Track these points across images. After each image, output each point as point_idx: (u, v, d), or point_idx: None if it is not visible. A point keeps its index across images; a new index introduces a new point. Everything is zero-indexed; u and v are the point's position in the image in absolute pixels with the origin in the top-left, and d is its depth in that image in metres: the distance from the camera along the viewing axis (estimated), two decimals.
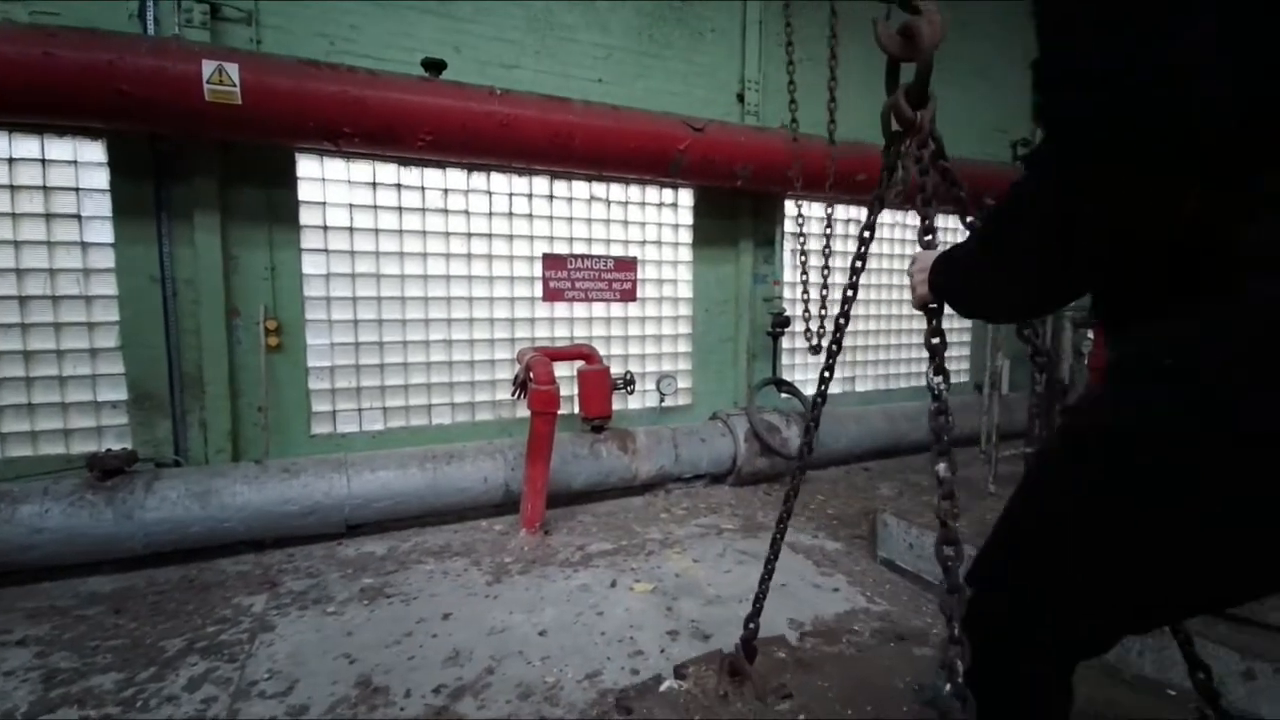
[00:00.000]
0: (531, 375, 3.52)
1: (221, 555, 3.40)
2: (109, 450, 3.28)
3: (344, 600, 2.96)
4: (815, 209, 5.35)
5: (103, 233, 3.51)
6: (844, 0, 3.35)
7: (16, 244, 3.37)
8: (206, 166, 3.58)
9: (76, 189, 3.46)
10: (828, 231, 3.72)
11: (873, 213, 1.82)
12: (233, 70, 3.06)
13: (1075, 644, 1.00)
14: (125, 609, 2.87)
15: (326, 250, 4.02)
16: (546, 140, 3.86)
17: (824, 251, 3.59)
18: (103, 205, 3.51)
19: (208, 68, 3.02)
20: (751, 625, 2.13)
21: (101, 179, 3.49)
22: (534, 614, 2.82)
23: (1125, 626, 1.04)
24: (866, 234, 1.82)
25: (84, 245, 3.49)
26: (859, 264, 1.85)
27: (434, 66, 3.75)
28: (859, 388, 6.06)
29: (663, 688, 2.22)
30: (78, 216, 3.47)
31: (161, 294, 3.62)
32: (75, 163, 3.45)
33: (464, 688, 2.29)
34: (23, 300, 3.39)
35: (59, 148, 3.41)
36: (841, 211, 5.67)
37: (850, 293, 1.86)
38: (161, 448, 3.63)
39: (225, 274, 3.70)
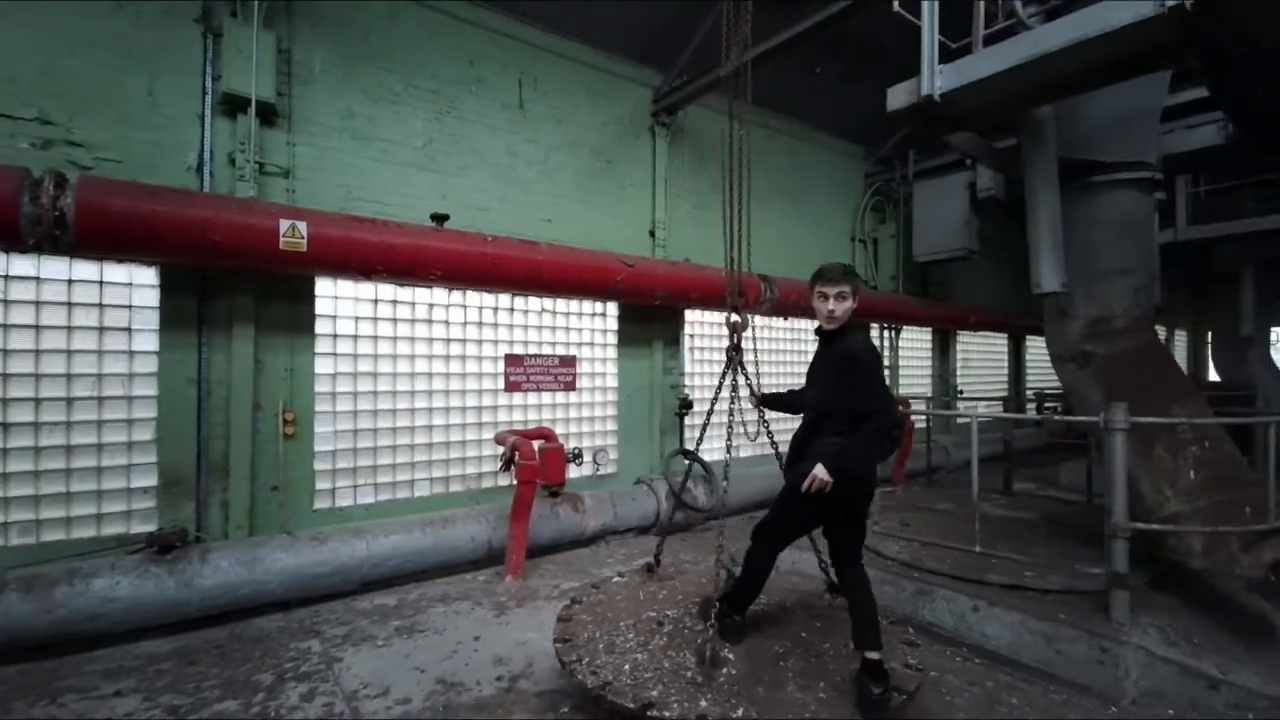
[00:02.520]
0: (518, 453, 4.62)
1: (255, 615, 4.01)
2: (162, 529, 3.84)
3: (387, 636, 3.78)
4: (707, 315, 7.07)
5: (149, 342, 4.16)
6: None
7: (69, 353, 3.93)
8: (246, 288, 4.39)
9: (129, 306, 4.11)
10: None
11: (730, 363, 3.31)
12: (302, 226, 4.03)
13: (773, 541, 2.63)
14: (196, 661, 3.47)
15: (335, 354, 4.88)
16: (522, 273, 5.13)
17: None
18: (151, 320, 4.17)
19: (284, 225, 3.97)
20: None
21: (152, 298, 4.18)
22: (542, 630, 3.83)
23: (790, 535, 2.73)
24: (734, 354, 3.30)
25: (131, 354, 4.11)
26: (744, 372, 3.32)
27: (440, 219, 4.93)
28: (742, 454, 7.69)
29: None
30: (128, 329, 4.10)
31: (196, 393, 4.29)
32: (130, 284, 4.12)
33: (517, 675, 3.30)
34: (69, 401, 3.92)
35: (116, 272, 4.08)
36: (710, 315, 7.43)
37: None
38: (184, 527, 4.17)
39: (254, 375, 4.44)
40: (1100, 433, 3.34)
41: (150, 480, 4.14)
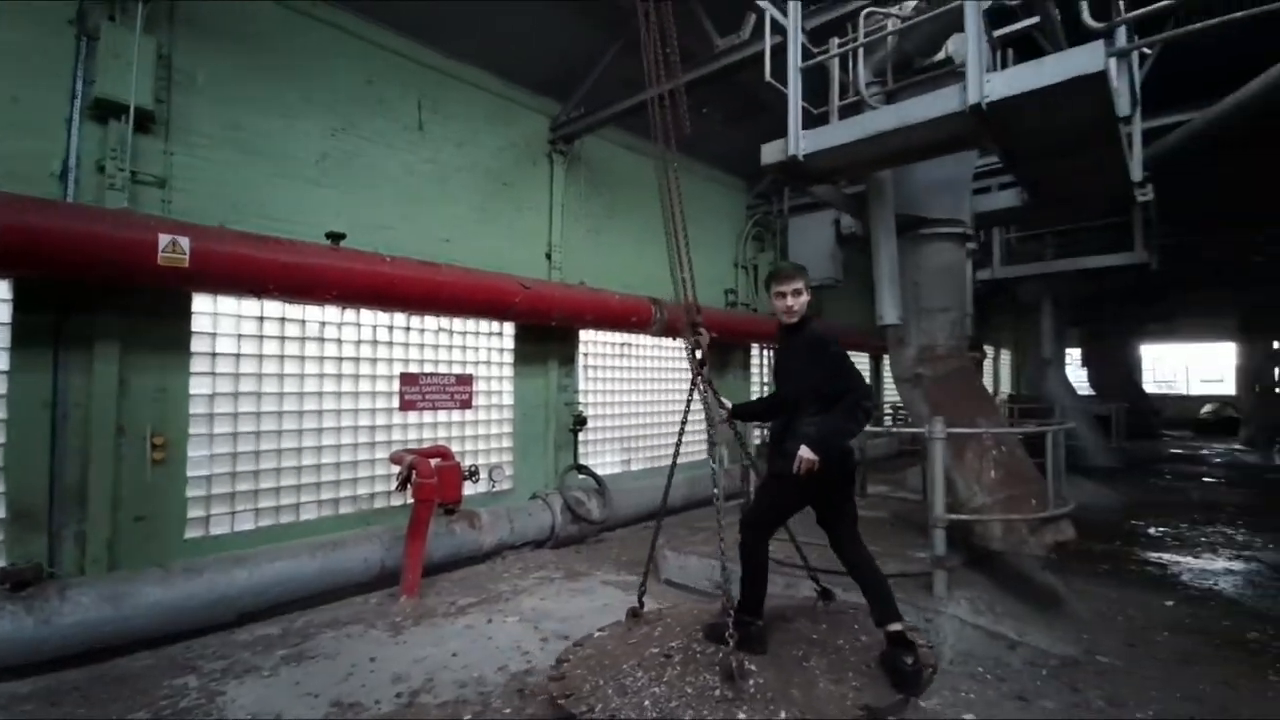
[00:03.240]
0: (417, 471, 4.66)
1: (119, 655, 3.73)
2: (14, 564, 3.50)
3: (273, 666, 3.68)
4: (601, 335, 7.41)
5: None
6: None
7: None
8: (112, 303, 4.11)
9: None
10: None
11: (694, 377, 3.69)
12: (184, 241, 3.88)
13: (765, 529, 2.90)
14: (60, 702, 3.22)
15: (214, 373, 4.65)
16: (422, 294, 5.19)
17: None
18: (2, 338, 3.80)
19: (163, 239, 3.80)
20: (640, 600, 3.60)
21: (4, 313, 3.81)
22: (440, 646, 3.93)
23: (778, 522, 3.02)
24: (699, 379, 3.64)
25: None
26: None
27: (336, 237, 4.87)
28: (633, 468, 8.08)
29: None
30: None
31: (51, 417, 3.94)
32: None
33: (416, 690, 3.38)
34: None
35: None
36: (620, 337, 7.83)
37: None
38: (39, 562, 3.81)
39: (119, 397, 4.15)
40: (925, 441, 4.05)
41: None
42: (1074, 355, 19.45)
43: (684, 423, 3.50)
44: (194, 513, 4.53)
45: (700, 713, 2.43)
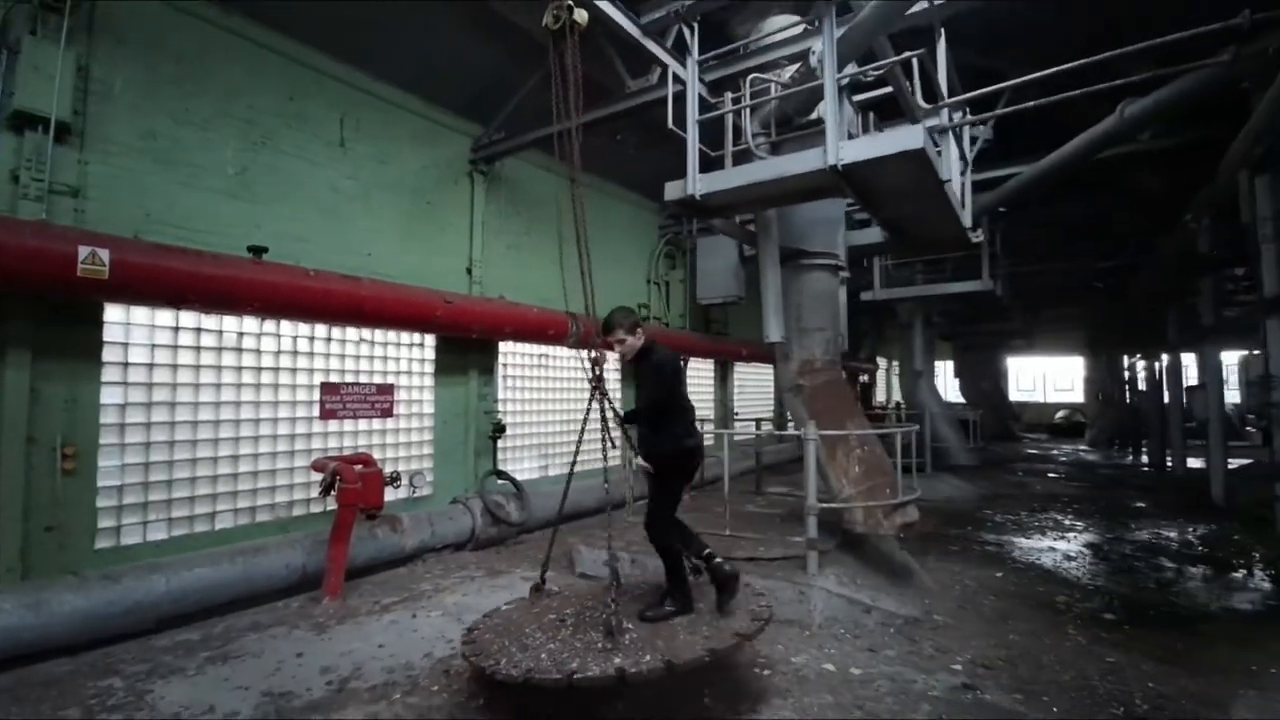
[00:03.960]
0: (341, 477, 4.86)
1: (38, 661, 3.72)
2: None
3: (198, 666, 3.81)
4: (520, 347, 7.78)
5: None
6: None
7: None
8: (23, 311, 4.09)
9: None
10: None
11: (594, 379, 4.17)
12: (104, 254, 3.95)
13: (659, 523, 3.43)
14: None
15: (125, 383, 4.65)
16: (344, 307, 5.39)
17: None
18: None
19: (83, 251, 3.87)
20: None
21: None
22: (367, 641, 4.18)
23: (666, 516, 3.56)
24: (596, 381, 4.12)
25: None
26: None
27: (258, 250, 5.00)
28: (550, 473, 8.46)
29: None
30: None
31: None
32: None
33: (346, 678, 3.65)
34: None
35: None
36: (538, 349, 8.22)
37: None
38: None
39: (29, 406, 4.12)
40: (803, 442, 4.76)
41: None
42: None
43: (583, 430, 3.90)
44: (104, 523, 4.51)
45: (585, 661, 2.99)
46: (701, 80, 5.79)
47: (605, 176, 9.65)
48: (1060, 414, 24.31)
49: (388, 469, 6.09)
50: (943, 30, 4.55)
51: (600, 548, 5.57)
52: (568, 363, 8.89)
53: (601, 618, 3.34)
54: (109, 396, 4.57)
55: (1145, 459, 14.78)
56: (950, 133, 4.56)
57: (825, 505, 4.74)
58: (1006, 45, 7.32)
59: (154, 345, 4.81)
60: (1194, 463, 12.05)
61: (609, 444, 3.77)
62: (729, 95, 5.31)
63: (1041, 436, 22.24)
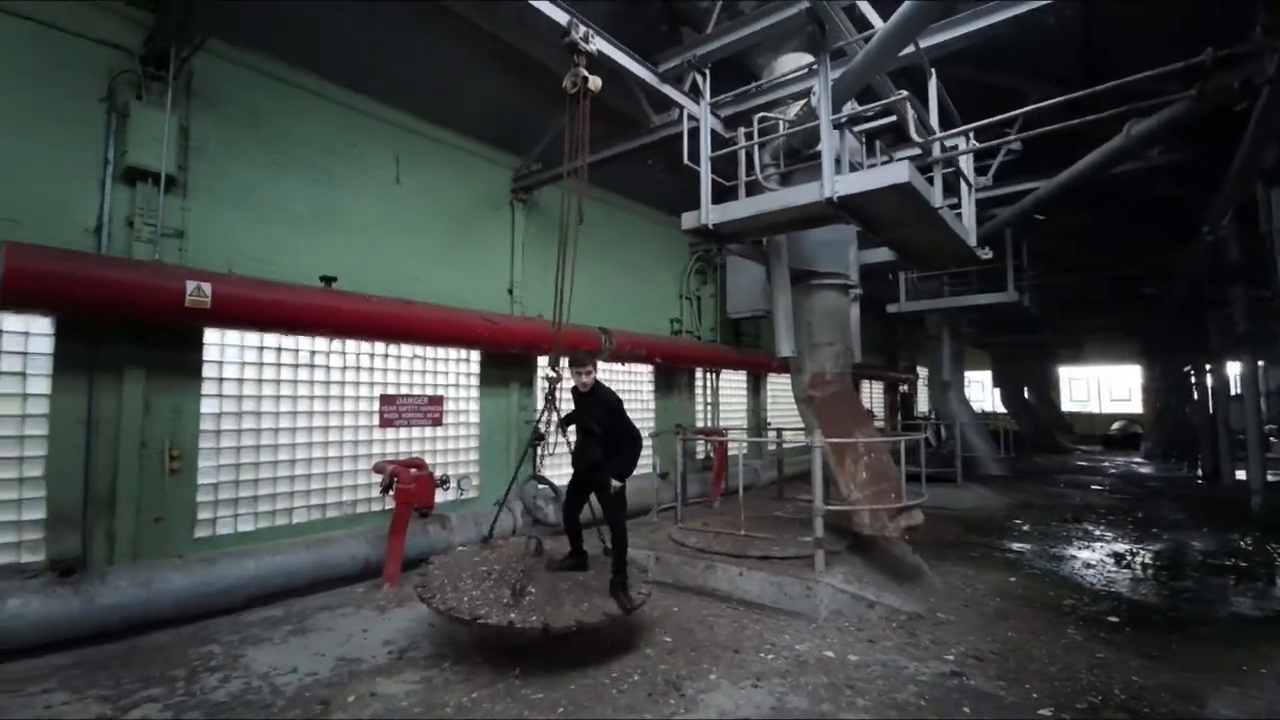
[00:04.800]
0: (398, 478, 5.52)
1: (146, 633, 4.46)
2: (62, 555, 4.23)
3: (282, 637, 4.48)
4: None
5: (41, 386, 4.52)
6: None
7: None
8: (139, 336, 4.89)
9: (25, 353, 4.47)
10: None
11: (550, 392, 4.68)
12: (207, 287, 4.72)
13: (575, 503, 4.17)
14: (105, 667, 3.95)
15: (220, 395, 5.44)
16: (399, 328, 6.09)
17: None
18: (45, 365, 4.54)
19: (190, 285, 4.64)
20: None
21: (47, 345, 4.56)
22: (421, 621, 4.77)
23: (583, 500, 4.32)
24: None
25: (24, 396, 4.45)
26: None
27: (329, 280, 5.75)
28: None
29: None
30: (23, 374, 4.45)
31: (85, 433, 4.68)
32: (26, 333, 4.49)
33: (405, 648, 4.25)
34: None
35: (13, 322, 4.44)
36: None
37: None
38: (82, 554, 4.52)
39: (143, 416, 4.91)
40: (812, 450, 5.15)
41: (39, 514, 4.45)
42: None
43: (555, 442, 4.86)
44: (202, 515, 5.27)
45: (492, 610, 3.82)
46: (717, 115, 6.31)
47: (638, 199, 10.23)
48: (1116, 425, 23.44)
49: (438, 473, 6.77)
50: (933, 70, 4.92)
51: (631, 547, 6.06)
52: (603, 375, 9.43)
53: (512, 578, 4.18)
54: (207, 406, 5.35)
55: (1200, 471, 14.29)
56: (941, 164, 4.91)
57: (832, 508, 5.11)
58: (1020, 64, 7.58)
59: (243, 363, 5.59)
60: (1243, 475, 11.66)
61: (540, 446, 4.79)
62: (742, 130, 5.78)
63: (1095, 448, 21.52)
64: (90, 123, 4.86)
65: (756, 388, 13.15)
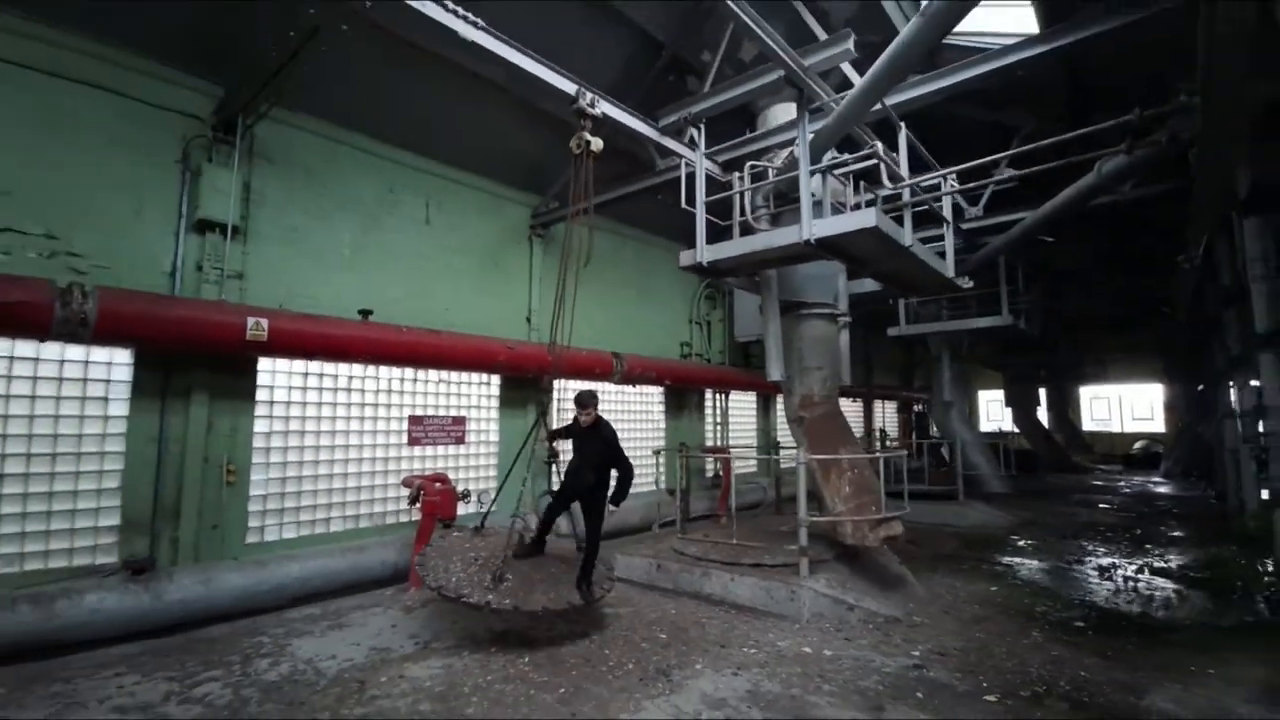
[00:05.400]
0: (424, 491, 6.13)
1: (202, 627, 5.09)
2: (135, 556, 4.91)
3: (322, 631, 5.08)
4: (571, 384, 8.99)
5: (120, 409, 5.25)
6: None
7: (58, 418, 4.96)
8: (204, 364, 5.62)
9: (108, 380, 5.21)
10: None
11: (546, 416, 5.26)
12: (264, 322, 5.43)
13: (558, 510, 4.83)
14: (169, 655, 4.57)
15: (271, 416, 6.14)
16: (426, 355, 6.75)
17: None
18: (124, 391, 5.28)
19: (250, 321, 5.35)
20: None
21: (126, 374, 5.30)
22: (444, 619, 5.34)
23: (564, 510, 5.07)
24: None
25: (106, 418, 5.18)
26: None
27: (366, 313, 6.46)
28: None
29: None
30: (105, 399, 5.19)
31: (157, 450, 5.39)
32: (109, 363, 5.23)
33: (429, 640, 4.81)
34: (55, 456, 4.92)
35: (99, 353, 5.19)
36: (587, 384, 9.40)
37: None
38: (151, 555, 5.20)
39: (206, 434, 5.62)
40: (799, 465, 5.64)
41: (114, 520, 5.15)
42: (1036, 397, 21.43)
43: (522, 447, 5.76)
44: (253, 523, 5.94)
45: (472, 593, 4.52)
46: (714, 160, 6.94)
47: (651, 230, 10.88)
48: (1137, 444, 23.19)
49: (460, 487, 7.38)
50: (903, 125, 5.47)
51: (631, 555, 6.58)
52: (616, 397, 10.02)
53: (494, 565, 4.87)
54: (260, 426, 6.05)
55: (1214, 489, 14.24)
56: (911, 206, 5.44)
57: (815, 519, 5.57)
58: (1010, 103, 8.09)
59: (290, 387, 6.30)
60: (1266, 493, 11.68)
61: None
62: (736, 175, 6.38)
63: (1116, 467, 21.34)
64: (168, 181, 5.66)
65: (766, 408, 13.59)
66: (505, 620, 4.91)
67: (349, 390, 6.76)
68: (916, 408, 20.38)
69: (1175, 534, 9.43)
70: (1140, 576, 6.88)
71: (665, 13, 6.96)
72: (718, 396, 12.15)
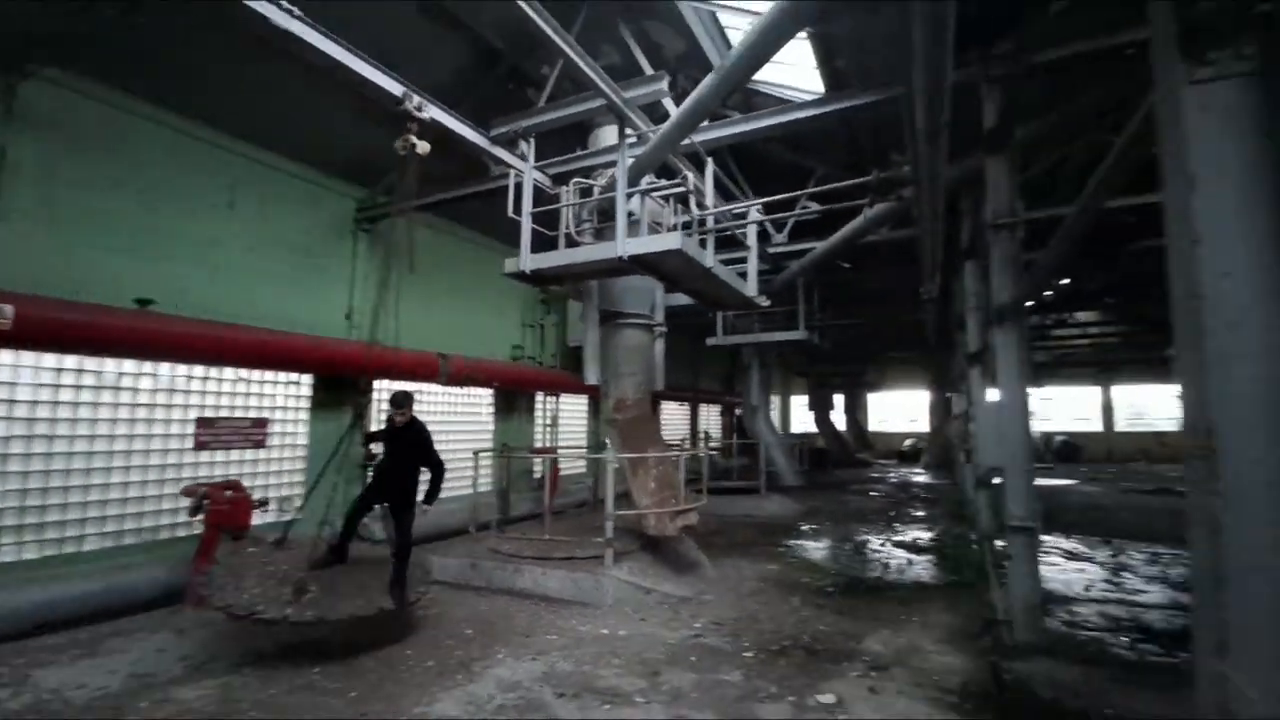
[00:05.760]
0: (209, 500, 5.63)
1: None
2: None
3: (70, 659, 4.48)
4: (394, 384, 8.71)
5: None
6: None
7: None
8: None
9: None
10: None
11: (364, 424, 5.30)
12: (8, 309, 4.65)
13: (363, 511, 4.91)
14: None
15: (10, 418, 5.23)
16: (216, 350, 6.21)
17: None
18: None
19: None
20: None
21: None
22: (226, 639, 4.97)
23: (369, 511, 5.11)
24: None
25: None
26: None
27: (144, 302, 5.76)
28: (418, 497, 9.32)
29: None
30: None
31: None
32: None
33: (203, 662, 4.47)
34: None
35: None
36: (412, 385, 9.17)
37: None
38: None
39: None
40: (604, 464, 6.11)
41: None
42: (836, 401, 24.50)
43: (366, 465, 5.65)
44: None
45: (270, 606, 4.30)
46: (545, 173, 7.23)
47: (488, 233, 10.84)
48: (908, 442, 27.63)
49: (258, 495, 6.85)
50: (709, 158, 6.20)
51: (450, 557, 6.62)
52: (441, 398, 9.86)
53: (295, 579, 4.67)
54: None
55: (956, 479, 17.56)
56: (714, 231, 6.19)
57: (621, 514, 6.09)
58: (807, 148, 9.35)
59: (37, 385, 5.42)
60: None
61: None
62: (564, 189, 6.73)
63: (891, 462, 25.24)
64: None
65: (596, 411, 14.13)
66: (301, 633, 4.64)
67: (118, 389, 5.97)
68: (737, 411, 22.43)
69: (919, 514, 11.55)
70: (884, 549, 8.40)
71: (505, 25, 7.11)
72: (548, 399, 12.43)
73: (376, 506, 7.62)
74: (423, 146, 5.07)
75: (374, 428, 8.74)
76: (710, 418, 20.78)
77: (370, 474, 5.67)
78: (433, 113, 5.64)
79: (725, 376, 21.85)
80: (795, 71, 7.99)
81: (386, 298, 5.59)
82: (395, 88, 5.31)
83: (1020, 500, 4.88)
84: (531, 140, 6.38)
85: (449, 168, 7.38)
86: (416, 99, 5.45)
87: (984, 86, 4.97)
